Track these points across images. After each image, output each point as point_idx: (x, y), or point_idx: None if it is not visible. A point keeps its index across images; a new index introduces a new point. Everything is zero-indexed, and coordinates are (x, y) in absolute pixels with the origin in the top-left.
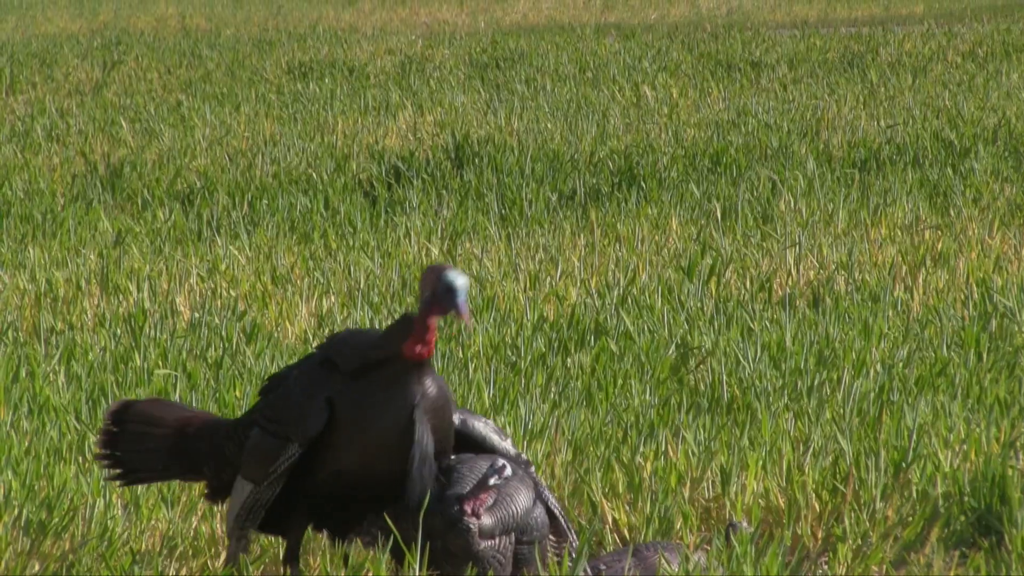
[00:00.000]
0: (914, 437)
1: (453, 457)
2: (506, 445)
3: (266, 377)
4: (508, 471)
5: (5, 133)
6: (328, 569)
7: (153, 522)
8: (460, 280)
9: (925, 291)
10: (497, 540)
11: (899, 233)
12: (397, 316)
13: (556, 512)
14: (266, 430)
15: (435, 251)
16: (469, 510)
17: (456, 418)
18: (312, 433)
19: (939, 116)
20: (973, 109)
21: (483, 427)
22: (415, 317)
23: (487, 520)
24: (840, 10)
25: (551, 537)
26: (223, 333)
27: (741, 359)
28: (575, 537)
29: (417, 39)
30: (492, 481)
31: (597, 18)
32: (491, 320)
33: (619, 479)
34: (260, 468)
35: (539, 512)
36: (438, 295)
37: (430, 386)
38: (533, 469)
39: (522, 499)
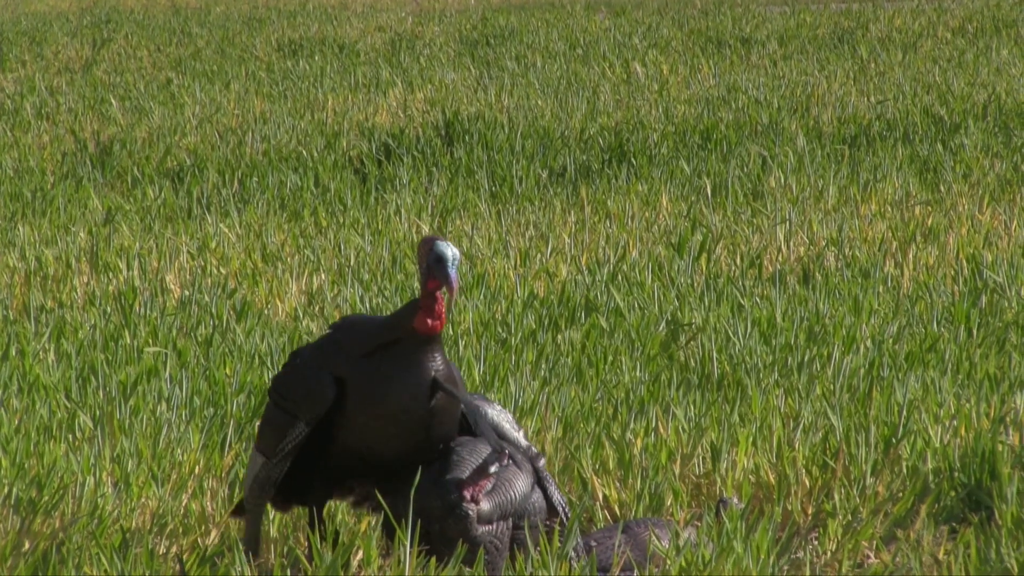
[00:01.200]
0: (904, 413)
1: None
2: (518, 436)
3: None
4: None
5: None
6: (319, 546)
7: (143, 500)
8: (449, 251)
9: (915, 267)
10: (495, 526)
11: (889, 209)
12: (386, 293)
13: (561, 511)
14: (277, 404)
15: (425, 228)
16: (468, 496)
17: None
18: (318, 412)
19: (929, 92)
20: (963, 85)
21: (497, 415)
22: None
23: (486, 506)
24: None
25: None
26: (213, 311)
27: (731, 335)
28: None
29: (407, 16)
30: (492, 468)
31: None
32: (481, 297)
33: (609, 456)
34: (271, 442)
35: (537, 497)
36: (431, 266)
37: (441, 364)
38: (543, 463)
39: (520, 484)
